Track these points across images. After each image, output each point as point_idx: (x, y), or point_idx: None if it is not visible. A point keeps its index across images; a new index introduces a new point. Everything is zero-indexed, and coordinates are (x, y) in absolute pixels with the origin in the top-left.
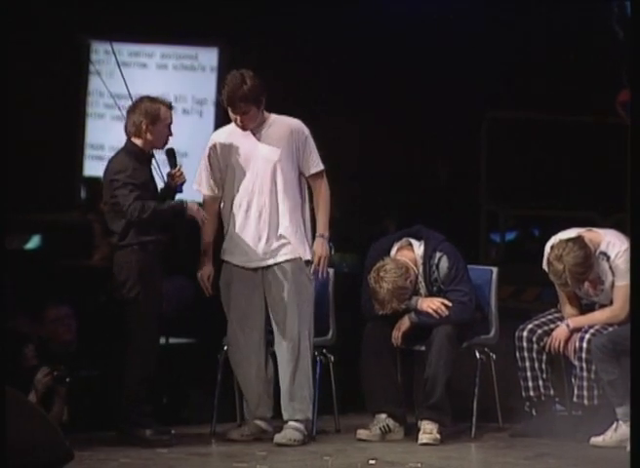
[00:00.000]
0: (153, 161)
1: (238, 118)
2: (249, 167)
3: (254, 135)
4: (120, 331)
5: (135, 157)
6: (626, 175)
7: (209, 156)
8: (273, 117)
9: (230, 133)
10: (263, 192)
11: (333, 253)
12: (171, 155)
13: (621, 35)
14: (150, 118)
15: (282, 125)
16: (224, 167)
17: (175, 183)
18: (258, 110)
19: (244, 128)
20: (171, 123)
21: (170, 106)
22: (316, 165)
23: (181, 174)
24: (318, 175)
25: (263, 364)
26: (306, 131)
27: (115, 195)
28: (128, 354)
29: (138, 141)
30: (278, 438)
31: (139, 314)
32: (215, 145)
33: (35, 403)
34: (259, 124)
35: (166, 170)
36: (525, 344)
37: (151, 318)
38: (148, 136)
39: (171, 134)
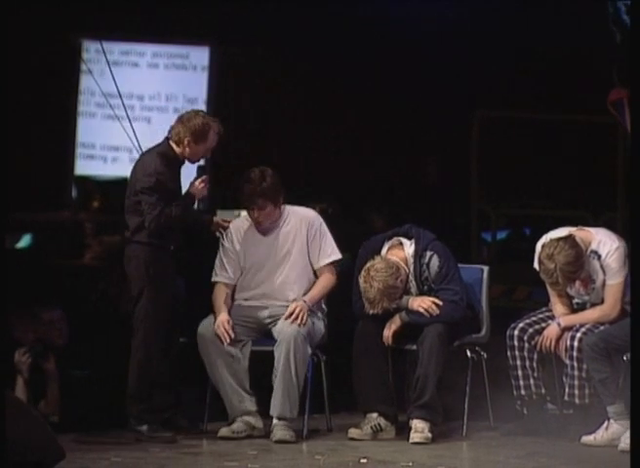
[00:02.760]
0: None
1: (255, 214)
2: (264, 263)
3: (271, 230)
4: (111, 329)
5: (167, 160)
6: (617, 174)
7: (227, 248)
8: (288, 211)
9: (248, 226)
10: (277, 283)
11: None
12: (201, 172)
13: (618, 37)
14: (195, 138)
15: (297, 221)
16: (242, 258)
17: (194, 194)
18: (274, 208)
19: (260, 224)
20: (214, 146)
21: (219, 132)
22: (322, 258)
23: (203, 187)
24: (326, 266)
25: (238, 359)
26: (317, 223)
27: (138, 195)
28: (132, 350)
29: (175, 148)
30: (279, 435)
31: (142, 310)
32: (232, 238)
33: (23, 386)
34: (275, 219)
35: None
36: (516, 343)
37: (155, 315)
38: (186, 151)
39: (209, 154)
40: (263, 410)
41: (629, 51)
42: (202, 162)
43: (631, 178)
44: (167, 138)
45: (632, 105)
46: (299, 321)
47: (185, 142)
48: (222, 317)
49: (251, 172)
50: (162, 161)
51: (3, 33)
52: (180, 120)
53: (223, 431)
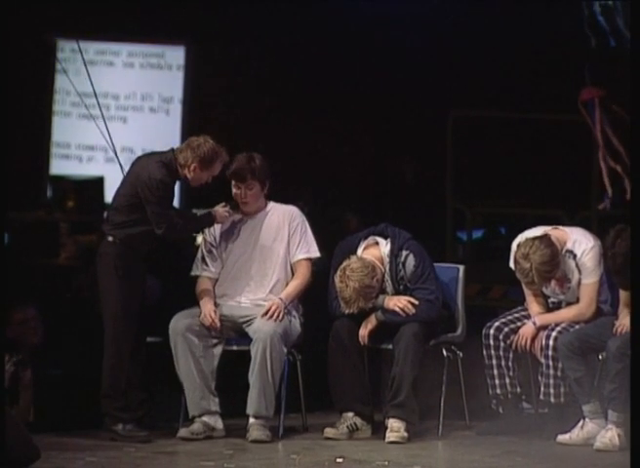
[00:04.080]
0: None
1: (242, 192)
2: (245, 255)
3: (252, 222)
4: (86, 329)
5: (170, 171)
6: (592, 173)
7: (208, 242)
8: (271, 205)
9: (231, 220)
10: (256, 275)
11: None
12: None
13: (593, 41)
14: (201, 165)
15: (280, 215)
16: (223, 251)
17: (215, 218)
18: (260, 191)
19: (246, 204)
20: (216, 175)
21: (225, 162)
22: (299, 253)
23: (227, 216)
24: (302, 260)
25: (208, 357)
26: (299, 218)
27: (132, 199)
28: (104, 349)
29: (179, 168)
30: (255, 435)
31: (111, 309)
32: (214, 232)
33: None
34: (258, 210)
35: None
36: (492, 342)
37: (124, 314)
38: (190, 175)
39: (210, 181)
40: (239, 410)
41: (630, 51)
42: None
43: (632, 177)
44: (172, 150)
45: (632, 105)
46: (274, 318)
47: (191, 168)
48: (209, 308)
49: (240, 155)
50: (167, 172)
51: (3, 34)
52: (189, 145)
53: (182, 432)
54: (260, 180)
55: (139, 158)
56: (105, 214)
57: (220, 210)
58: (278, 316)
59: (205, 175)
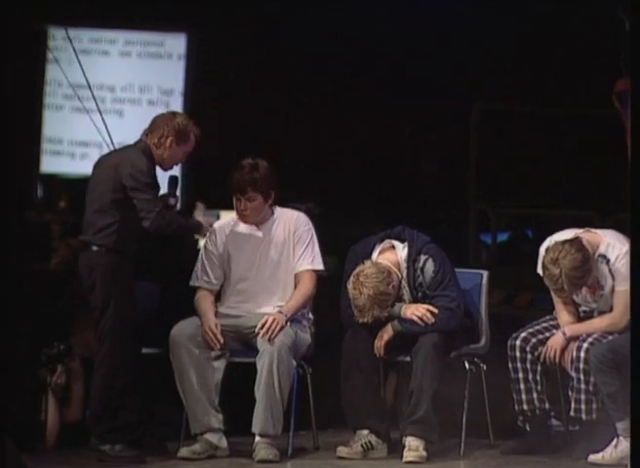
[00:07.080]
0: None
1: (242, 205)
2: (250, 267)
3: (258, 234)
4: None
5: (150, 159)
6: (627, 172)
7: (209, 251)
8: (277, 213)
9: (233, 228)
10: (262, 288)
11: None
12: (173, 184)
13: (628, 25)
14: (178, 138)
15: (286, 223)
16: (226, 262)
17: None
18: (264, 203)
19: (245, 218)
20: (190, 151)
21: (198, 136)
22: (301, 264)
23: (175, 204)
24: (305, 272)
25: (212, 371)
26: (305, 227)
27: (122, 192)
28: (95, 364)
29: (155, 150)
30: (262, 454)
31: (109, 321)
32: (216, 240)
33: (55, 410)
34: (262, 221)
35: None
36: (518, 354)
37: (123, 326)
38: (166, 153)
39: (184, 160)
40: (244, 427)
41: (630, 50)
42: (176, 172)
43: (632, 178)
44: (142, 139)
45: (632, 104)
46: (268, 335)
47: (167, 143)
48: (210, 322)
49: (243, 161)
50: (148, 159)
51: (3, 33)
52: (162, 120)
53: (183, 451)
54: (262, 192)
55: (108, 154)
56: (85, 221)
57: (205, 227)
58: (274, 332)
59: (180, 151)
